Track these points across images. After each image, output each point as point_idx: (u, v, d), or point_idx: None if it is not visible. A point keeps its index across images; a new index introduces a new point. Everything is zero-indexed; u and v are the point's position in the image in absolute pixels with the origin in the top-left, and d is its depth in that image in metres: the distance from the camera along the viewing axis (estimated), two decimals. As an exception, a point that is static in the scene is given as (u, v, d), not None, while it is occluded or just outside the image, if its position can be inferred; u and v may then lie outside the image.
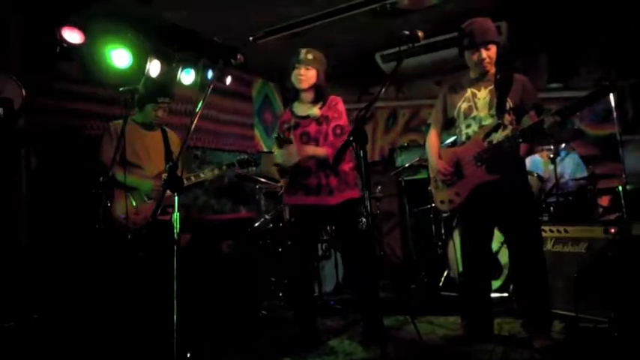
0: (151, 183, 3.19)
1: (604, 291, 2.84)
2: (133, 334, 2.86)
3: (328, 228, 4.76)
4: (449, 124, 3.04)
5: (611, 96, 2.75)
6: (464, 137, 2.87)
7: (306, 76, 2.93)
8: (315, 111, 2.99)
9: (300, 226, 3.08)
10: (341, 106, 3.01)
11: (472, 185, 2.79)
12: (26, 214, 3.36)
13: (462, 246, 2.99)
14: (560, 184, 3.79)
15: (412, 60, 5.26)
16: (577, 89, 5.02)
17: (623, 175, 2.77)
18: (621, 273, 2.78)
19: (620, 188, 2.77)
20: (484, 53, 2.73)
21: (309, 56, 2.93)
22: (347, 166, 2.98)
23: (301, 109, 3.05)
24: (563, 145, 4.34)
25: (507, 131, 2.70)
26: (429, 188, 4.64)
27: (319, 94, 3.01)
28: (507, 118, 2.72)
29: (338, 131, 2.94)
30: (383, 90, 2.22)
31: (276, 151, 2.96)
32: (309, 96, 3.02)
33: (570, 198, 3.78)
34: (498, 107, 2.71)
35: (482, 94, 2.79)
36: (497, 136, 2.71)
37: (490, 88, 2.78)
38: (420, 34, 2.22)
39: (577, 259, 3.03)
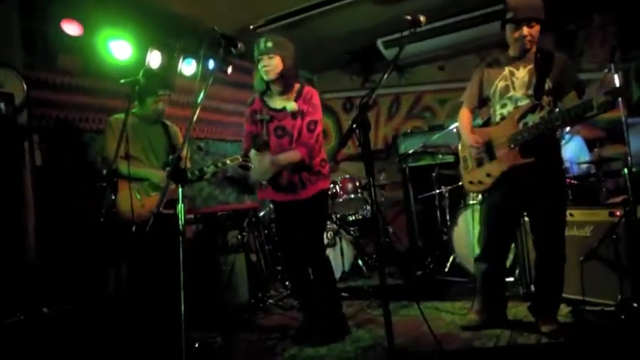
0: (160, 173, 3.17)
1: (610, 274, 2.84)
2: (141, 325, 2.88)
3: (334, 217, 4.78)
4: (482, 104, 2.93)
5: (616, 78, 2.71)
6: (498, 118, 2.77)
7: (270, 65, 2.80)
8: (293, 105, 2.90)
9: (282, 219, 3.08)
10: (316, 100, 2.93)
11: (504, 167, 2.70)
12: (32, 210, 3.37)
13: (486, 229, 2.89)
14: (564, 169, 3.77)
15: (415, 45, 5.22)
16: (583, 71, 4.98)
17: (629, 158, 2.74)
18: (627, 256, 2.77)
19: (626, 171, 2.75)
20: (526, 30, 2.60)
21: (269, 44, 2.79)
22: (319, 159, 2.95)
23: (274, 101, 2.97)
24: (567, 129, 4.31)
25: (544, 113, 2.60)
26: (440, 173, 4.69)
27: (286, 82, 2.89)
28: (545, 99, 2.63)
29: (312, 127, 2.88)
30: (385, 77, 2.19)
31: (254, 160, 2.89)
32: (278, 86, 2.90)
33: (575, 182, 3.77)
34: (537, 88, 2.61)
35: (521, 74, 2.68)
36: (534, 118, 2.61)
37: (529, 67, 2.67)
38: (422, 19, 2.18)
39: (582, 243, 3.02)
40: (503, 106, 2.74)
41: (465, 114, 2.95)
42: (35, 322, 2.77)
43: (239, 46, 2.36)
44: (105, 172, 2.74)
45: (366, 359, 2.62)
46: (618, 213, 2.88)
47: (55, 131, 3.72)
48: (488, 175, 2.79)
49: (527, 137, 2.60)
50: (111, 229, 2.89)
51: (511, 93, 2.71)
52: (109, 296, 2.98)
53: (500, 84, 2.74)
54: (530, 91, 2.65)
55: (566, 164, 4.05)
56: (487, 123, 2.92)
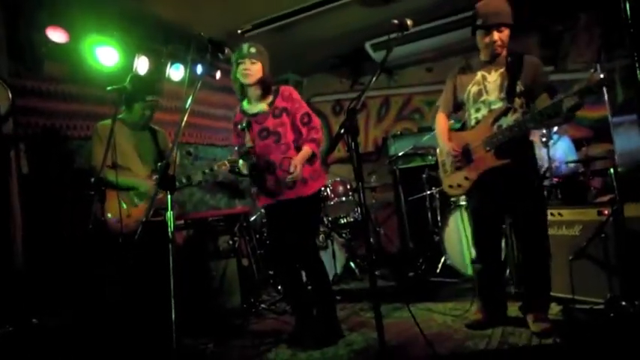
0: (147, 184, 3.13)
1: (599, 272, 2.86)
2: (131, 334, 2.86)
3: (325, 220, 4.77)
4: (457, 108, 2.99)
5: (602, 77, 2.73)
6: (473, 122, 2.83)
7: (251, 70, 2.87)
8: (264, 106, 2.96)
9: (277, 221, 3.06)
10: (296, 95, 3.00)
11: (481, 170, 2.76)
12: (19, 219, 3.34)
13: (474, 232, 2.97)
14: (552, 168, 3.81)
15: (403, 48, 5.24)
16: (568, 71, 5.03)
17: (615, 157, 2.78)
18: (616, 254, 2.80)
19: (612, 170, 2.78)
20: (496, 35, 2.67)
21: (252, 50, 2.87)
22: (317, 154, 3.00)
23: (251, 106, 3.02)
24: (555, 129, 4.34)
25: (517, 115, 2.67)
26: (431, 174, 4.71)
27: (266, 88, 2.96)
28: (517, 101, 2.69)
29: (305, 120, 2.95)
30: (373, 80, 2.20)
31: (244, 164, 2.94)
32: (256, 91, 2.96)
33: (563, 181, 3.80)
34: (509, 91, 2.67)
35: (493, 77, 2.75)
36: (507, 121, 2.68)
37: (501, 71, 2.73)
38: (408, 22, 2.20)
39: (572, 242, 3.04)
40: (478, 110, 2.81)
41: (441, 119, 3.02)
42: (24, 333, 2.73)
43: (226, 51, 2.38)
44: (92, 180, 2.71)
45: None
46: (606, 212, 2.91)
47: (42, 139, 3.69)
48: (466, 178, 2.85)
49: (502, 139, 2.66)
50: (99, 238, 2.86)
51: (484, 97, 2.77)
52: (98, 305, 2.95)
53: (473, 89, 2.81)
54: (503, 95, 2.71)
55: (555, 164, 4.09)
56: (464, 126, 2.98)
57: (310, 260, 3.01)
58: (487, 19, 2.67)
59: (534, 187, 2.77)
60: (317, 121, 3.01)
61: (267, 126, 2.94)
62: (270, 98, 2.98)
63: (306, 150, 2.91)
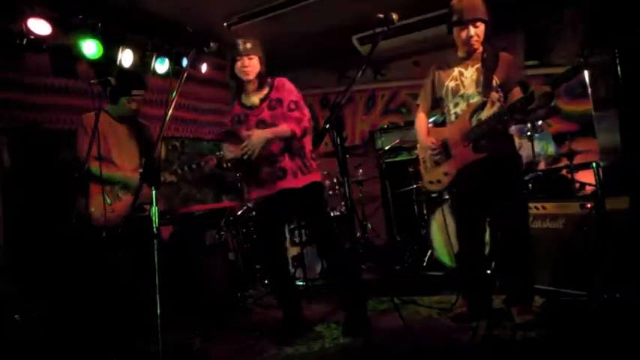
0: (132, 178, 3.06)
1: (582, 265, 2.90)
2: (115, 330, 2.84)
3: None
4: (436, 105, 3.01)
5: (586, 72, 2.77)
6: (452, 117, 2.85)
7: (250, 66, 2.90)
8: (261, 98, 2.96)
9: (266, 214, 3.05)
10: (289, 85, 3.01)
11: (460, 164, 2.78)
12: (0, 212, 3.28)
13: (457, 226, 2.99)
14: (535, 162, 3.85)
15: (390, 41, 5.24)
16: (553, 66, 5.07)
17: (598, 151, 2.82)
18: (598, 247, 2.84)
19: (595, 165, 2.82)
20: (472, 30, 2.71)
21: (248, 45, 2.88)
22: (308, 149, 2.99)
23: (249, 98, 3.02)
24: (539, 123, 4.39)
25: (495, 108, 2.68)
26: (418, 168, 4.73)
27: (262, 80, 2.98)
28: (494, 95, 2.72)
29: (292, 106, 2.94)
30: (360, 74, 2.20)
31: (227, 147, 2.92)
32: (253, 85, 2.98)
33: (547, 175, 3.84)
34: (485, 85, 2.71)
35: (470, 73, 2.78)
36: (484, 114, 2.70)
37: (477, 66, 2.77)
38: (394, 16, 2.20)
39: (555, 235, 3.08)
40: (456, 104, 2.83)
41: (420, 116, 3.05)
42: (6, 328, 2.70)
43: (211, 44, 2.35)
44: (76, 174, 2.68)
45: (346, 357, 2.62)
46: (589, 205, 2.94)
47: (24, 132, 3.63)
48: (446, 173, 2.87)
49: (479, 133, 2.69)
50: (82, 233, 2.83)
51: (462, 91, 2.80)
52: (82, 301, 2.92)
53: (451, 84, 2.84)
54: (480, 89, 2.74)
55: (537, 158, 4.13)
56: (443, 122, 2.99)
57: (328, 249, 3.01)
58: (463, 14, 2.71)
59: (515, 181, 2.80)
60: (305, 110, 2.98)
61: (264, 118, 2.94)
62: (267, 90, 2.98)
63: (282, 128, 2.85)
